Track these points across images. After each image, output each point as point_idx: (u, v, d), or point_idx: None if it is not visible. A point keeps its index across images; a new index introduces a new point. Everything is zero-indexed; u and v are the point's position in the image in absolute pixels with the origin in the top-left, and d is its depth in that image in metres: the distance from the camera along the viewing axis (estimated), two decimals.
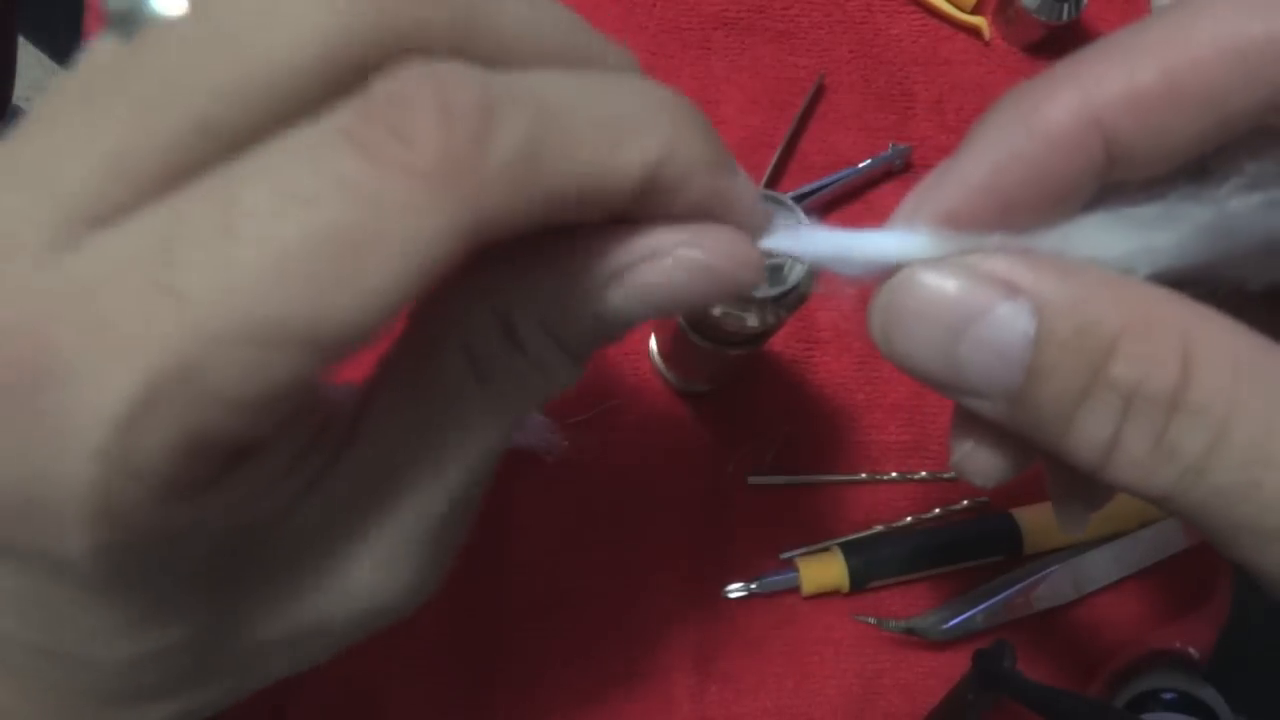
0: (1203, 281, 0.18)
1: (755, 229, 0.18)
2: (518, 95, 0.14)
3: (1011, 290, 0.17)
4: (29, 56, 0.83)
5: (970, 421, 0.20)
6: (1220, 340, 0.16)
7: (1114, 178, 0.18)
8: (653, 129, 0.15)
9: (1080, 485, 0.22)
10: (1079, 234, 0.18)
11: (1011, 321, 0.16)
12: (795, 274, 0.25)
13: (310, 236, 0.12)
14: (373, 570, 0.18)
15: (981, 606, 0.37)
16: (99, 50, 0.14)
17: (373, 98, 0.13)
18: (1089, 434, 0.16)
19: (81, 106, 0.14)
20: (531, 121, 0.14)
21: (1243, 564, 0.16)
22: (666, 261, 0.16)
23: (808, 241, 0.19)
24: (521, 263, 0.17)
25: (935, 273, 0.17)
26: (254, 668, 0.19)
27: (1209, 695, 0.34)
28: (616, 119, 0.15)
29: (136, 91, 0.13)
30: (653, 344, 0.37)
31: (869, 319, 0.19)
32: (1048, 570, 0.37)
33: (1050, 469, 0.22)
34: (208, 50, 0.13)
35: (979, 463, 0.20)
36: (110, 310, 0.12)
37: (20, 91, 0.81)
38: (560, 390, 0.18)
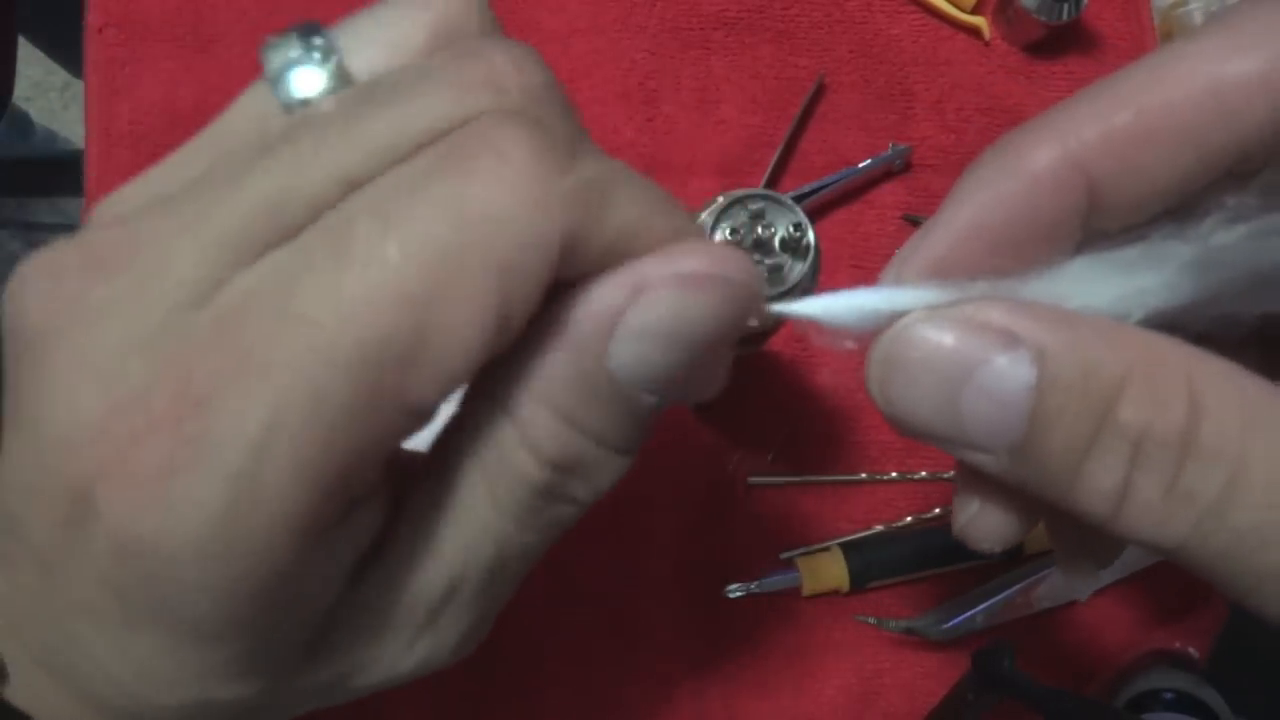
0: (1195, 322, 0.18)
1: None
2: (593, 150, 0.16)
3: (1010, 339, 0.16)
4: (29, 56, 0.83)
5: (974, 483, 0.20)
6: (1225, 381, 0.16)
7: (1100, 223, 0.18)
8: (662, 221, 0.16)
9: (1086, 542, 0.21)
10: (1066, 280, 0.18)
11: (1012, 370, 0.16)
12: (795, 274, 0.25)
13: (410, 254, 0.13)
14: (402, 639, 0.18)
15: (981, 606, 0.37)
16: (259, 105, 0.16)
17: (469, 128, 0.14)
18: (1098, 482, 0.16)
19: (251, 159, 0.15)
20: (603, 165, 0.15)
21: (1264, 614, 0.16)
22: (658, 290, 0.15)
23: (802, 306, 0.19)
24: (520, 360, 0.16)
25: (931, 325, 0.17)
26: (281, 713, 0.19)
27: (1209, 695, 0.34)
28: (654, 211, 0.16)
29: (299, 148, 0.15)
30: None
31: (867, 375, 0.18)
32: (1048, 570, 0.37)
33: (1054, 528, 0.21)
34: (366, 118, 0.15)
35: (985, 526, 0.20)
36: (245, 339, 0.13)
37: (20, 91, 0.81)
38: (609, 484, 0.18)
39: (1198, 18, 0.44)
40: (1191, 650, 0.38)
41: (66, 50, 0.90)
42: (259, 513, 0.14)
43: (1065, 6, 0.41)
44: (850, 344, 0.19)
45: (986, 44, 0.43)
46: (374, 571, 0.17)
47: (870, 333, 0.18)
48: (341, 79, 0.16)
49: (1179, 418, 0.15)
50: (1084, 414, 0.16)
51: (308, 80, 0.16)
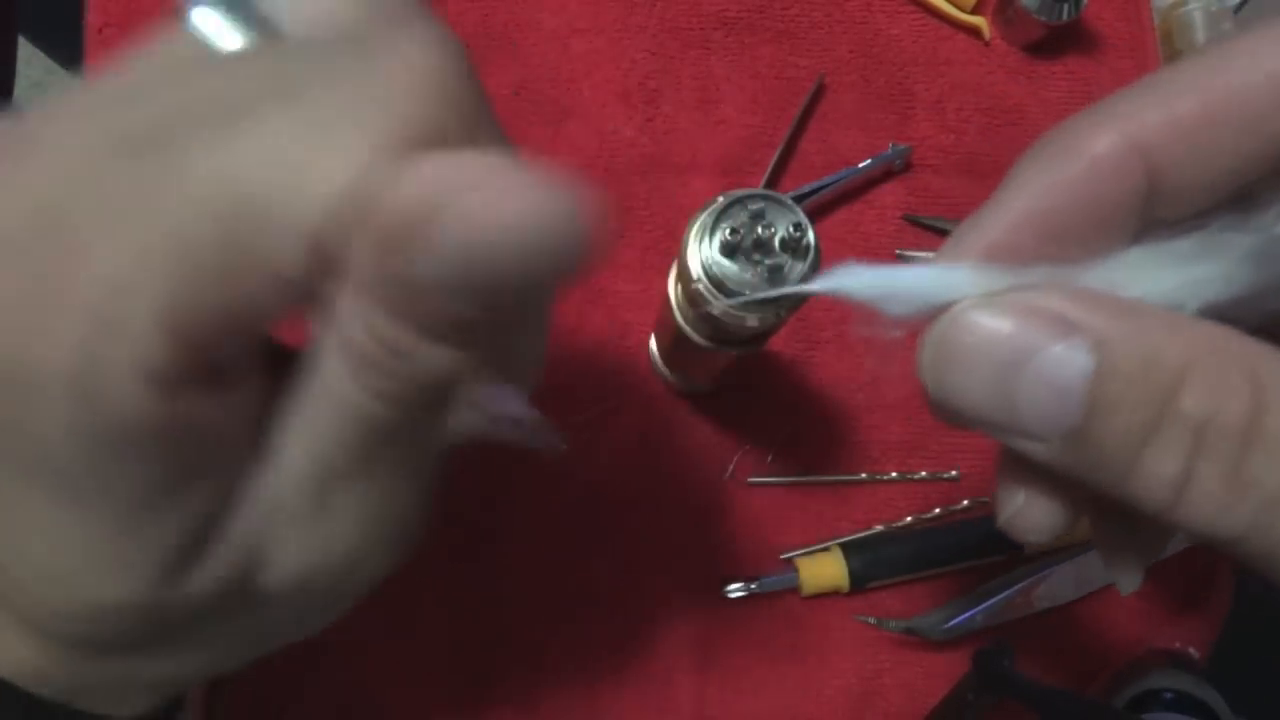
0: (1251, 316, 0.18)
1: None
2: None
3: (1068, 327, 0.16)
4: (29, 56, 0.83)
5: (1020, 474, 0.19)
6: None
7: (1158, 211, 0.17)
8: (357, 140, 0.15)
9: (1132, 536, 0.21)
10: (1122, 269, 0.18)
11: (1070, 358, 0.16)
12: (796, 274, 0.25)
13: (300, 125, 0.14)
14: (285, 529, 0.18)
15: (981, 606, 0.37)
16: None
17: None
18: (1158, 471, 0.16)
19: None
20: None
21: None
22: (448, 227, 0.14)
23: (855, 280, 0.19)
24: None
25: (988, 310, 0.17)
26: (240, 624, 0.19)
27: (1209, 695, 0.34)
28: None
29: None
30: (653, 344, 0.37)
31: (919, 359, 0.18)
32: (1048, 570, 0.37)
33: (1098, 521, 0.21)
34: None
35: (1032, 517, 0.19)
36: (119, 188, 0.14)
37: (20, 91, 0.81)
38: (445, 376, 0.17)
39: (1198, 18, 0.44)
40: (1191, 650, 0.38)
41: (66, 50, 0.90)
42: (117, 351, 0.14)
43: (1065, 6, 0.41)
44: (898, 332, 0.19)
45: (986, 44, 0.44)
46: (254, 456, 0.17)
47: (920, 319, 0.18)
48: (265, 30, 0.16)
49: (1243, 407, 0.15)
50: (1145, 402, 0.16)
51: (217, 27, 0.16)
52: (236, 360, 0.16)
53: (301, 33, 0.16)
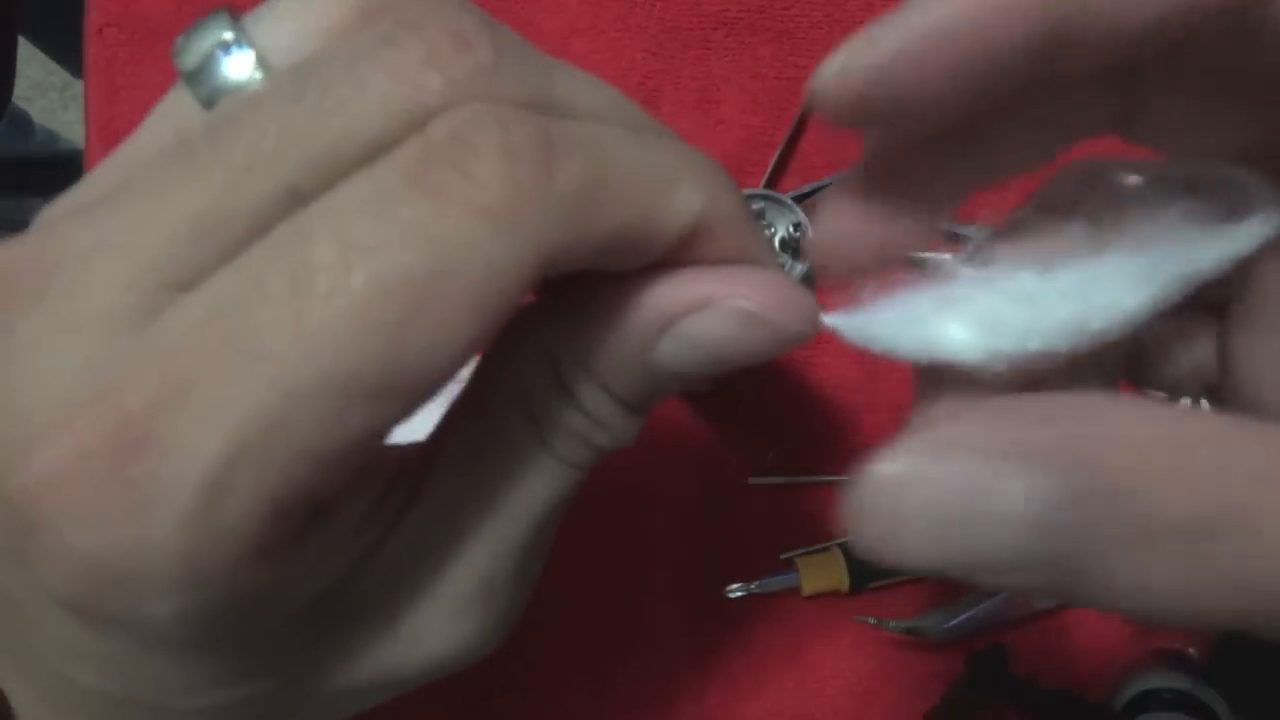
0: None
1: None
2: (577, 138, 0.14)
3: (1007, 459, 0.14)
4: (29, 56, 0.83)
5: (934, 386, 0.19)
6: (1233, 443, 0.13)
7: (1064, 63, 0.15)
8: (698, 182, 0.16)
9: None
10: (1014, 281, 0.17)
11: (1017, 494, 0.14)
12: (795, 274, 0.25)
13: (378, 286, 0.13)
14: (439, 623, 0.18)
15: (981, 606, 0.37)
16: (180, 108, 0.15)
17: (432, 138, 0.13)
18: (1158, 580, 0.13)
19: (172, 168, 0.14)
20: (590, 160, 0.14)
21: None
22: (718, 313, 0.16)
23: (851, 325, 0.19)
24: (572, 314, 0.17)
25: (931, 460, 0.14)
26: (323, 715, 0.19)
27: (1209, 695, 0.34)
28: (667, 169, 0.16)
29: (229, 157, 0.14)
30: None
31: (860, 519, 0.15)
32: None
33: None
34: (301, 120, 0.14)
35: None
36: (192, 375, 0.13)
37: (20, 91, 0.81)
38: (619, 444, 0.18)
39: None
40: (1191, 650, 0.38)
41: (66, 50, 0.90)
42: (218, 549, 0.13)
43: None
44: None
45: None
46: (395, 546, 0.17)
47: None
48: (262, 68, 0.15)
49: (1193, 504, 0.13)
50: (1103, 518, 0.13)
51: (233, 67, 0.15)
52: (339, 491, 0.15)
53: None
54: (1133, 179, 0.18)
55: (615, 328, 0.16)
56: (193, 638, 0.15)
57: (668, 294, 0.16)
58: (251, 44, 0.15)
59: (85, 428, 0.13)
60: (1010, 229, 0.19)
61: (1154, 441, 0.14)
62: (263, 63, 0.15)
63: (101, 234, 0.14)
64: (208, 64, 0.15)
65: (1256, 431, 0.14)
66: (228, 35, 0.15)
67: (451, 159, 0.13)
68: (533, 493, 0.18)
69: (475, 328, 0.13)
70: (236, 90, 0.15)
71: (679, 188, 0.16)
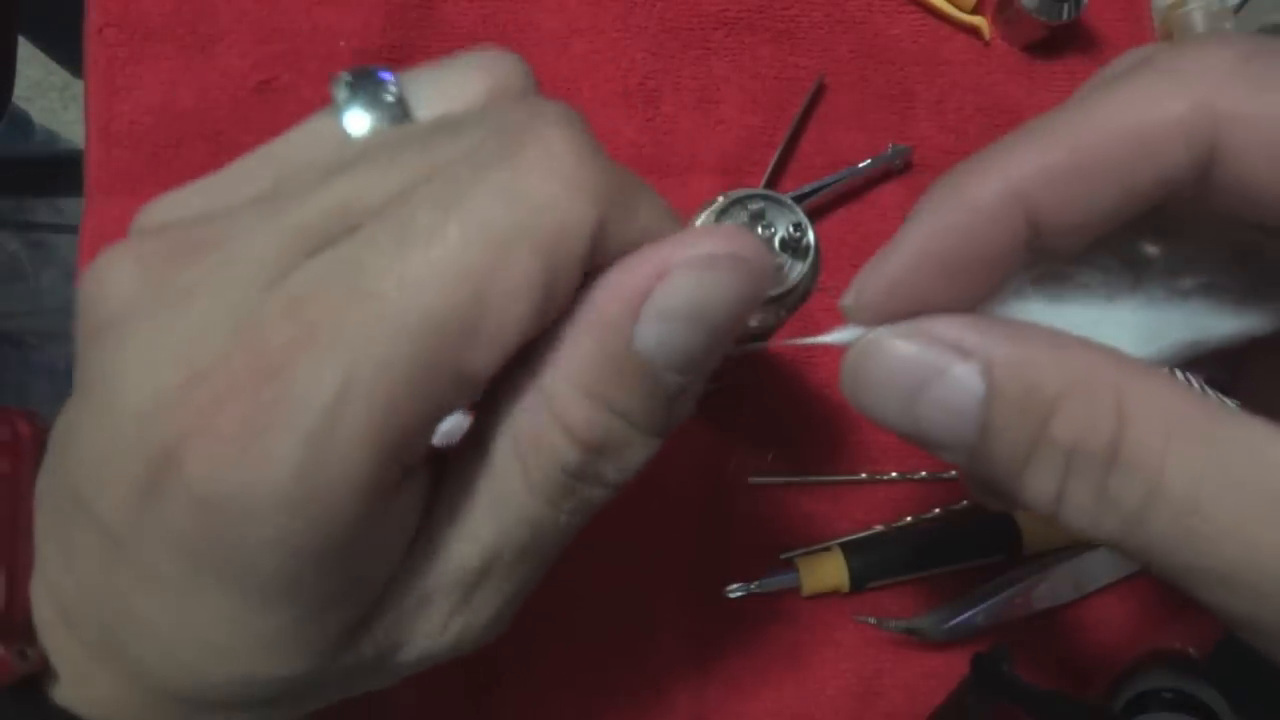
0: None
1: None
2: (619, 166, 0.17)
3: (962, 353, 0.18)
4: (29, 56, 0.83)
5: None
6: (1155, 398, 0.17)
7: (1045, 248, 0.19)
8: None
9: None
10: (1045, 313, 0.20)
11: (964, 383, 0.18)
12: (795, 274, 0.25)
13: (469, 235, 0.15)
14: (425, 621, 0.19)
15: (981, 606, 0.37)
16: (323, 131, 0.18)
17: (515, 119, 0.16)
18: (1038, 487, 0.18)
19: (332, 167, 0.17)
20: (625, 173, 0.17)
21: (1195, 599, 0.17)
22: (680, 273, 0.17)
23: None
24: (552, 343, 0.17)
25: (894, 337, 0.19)
26: (323, 696, 0.20)
27: (1209, 695, 0.34)
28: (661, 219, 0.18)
29: (375, 160, 0.16)
30: None
31: (842, 379, 0.20)
32: (1048, 570, 0.37)
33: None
34: (436, 140, 0.17)
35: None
36: (316, 316, 0.15)
37: (20, 91, 0.81)
38: (638, 466, 0.19)
39: (1197, 18, 0.44)
40: (1191, 650, 0.38)
41: (66, 50, 0.90)
42: (330, 471, 0.15)
43: (1065, 6, 0.41)
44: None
45: (986, 44, 0.44)
46: (415, 547, 0.18)
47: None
48: (406, 118, 0.18)
49: (1105, 433, 0.17)
50: (1024, 428, 0.17)
51: (379, 117, 0.18)
52: (422, 455, 0.17)
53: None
54: (1151, 249, 0.21)
55: (592, 332, 0.17)
56: (282, 576, 0.16)
57: (625, 280, 0.17)
58: (402, 97, 0.18)
59: (232, 361, 0.15)
60: (1029, 263, 0.20)
61: (1092, 378, 0.17)
62: (407, 113, 0.18)
63: (260, 217, 0.16)
64: (367, 109, 0.18)
65: (1196, 400, 0.17)
66: (390, 94, 0.18)
67: (535, 136, 0.16)
68: (506, 522, 0.18)
69: (547, 279, 0.16)
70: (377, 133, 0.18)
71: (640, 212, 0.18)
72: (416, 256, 0.15)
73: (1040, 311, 0.20)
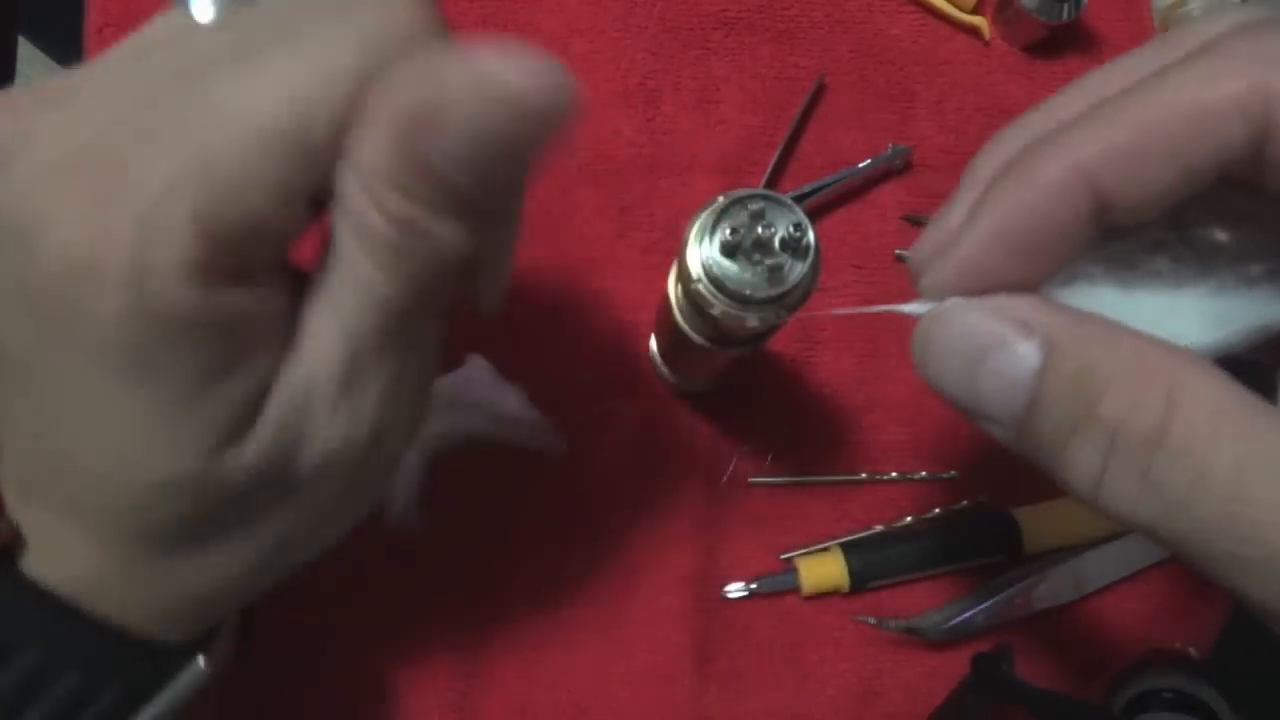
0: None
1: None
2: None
3: (1027, 329, 0.19)
4: (29, 56, 0.83)
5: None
6: (1206, 389, 0.18)
7: (1109, 224, 0.20)
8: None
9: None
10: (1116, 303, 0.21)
11: (1023, 355, 0.19)
12: (795, 274, 0.25)
13: (307, 61, 0.17)
14: (315, 412, 0.21)
15: (981, 606, 0.37)
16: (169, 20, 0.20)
17: None
18: (1081, 465, 0.19)
19: (196, 26, 0.19)
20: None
21: (1227, 588, 0.18)
22: (463, 104, 0.18)
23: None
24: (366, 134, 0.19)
25: (964, 309, 0.20)
26: (277, 517, 0.22)
27: (1209, 695, 0.34)
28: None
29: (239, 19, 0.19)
30: (653, 344, 0.37)
31: (913, 344, 0.22)
32: (1048, 570, 0.37)
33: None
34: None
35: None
36: (159, 120, 0.17)
37: None
38: (452, 251, 0.20)
39: (1197, 18, 0.44)
40: (1191, 650, 0.38)
41: (66, 50, 0.90)
42: (159, 250, 0.17)
43: (1065, 6, 0.41)
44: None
45: (986, 44, 0.44)
46: (289, 348, 0.20)
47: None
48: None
49: (1154, 417, 0.18)
50: (1072, 403, 0.18)
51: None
52: (264, 262, 0.19)
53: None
54: (1220, 236, 0.22)
55: (389, 133, 0.18)
56: (135, 350, 0.18)
57: (415, 91, 0.18)
58: None
59: (83, 156, 0.17)
60: (1100, 248, 0.21)
61: (1144, 365, 0.18)
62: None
63: (121, 67, 0.19)
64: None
65: (1241, 396, 0.18)
66: None
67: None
68: (359, 301, 0.20)
69: (337, 83, 0.18)
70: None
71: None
72: (249, 70, 0.17)
73: (1111, 296, 0.21)
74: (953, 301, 0.21)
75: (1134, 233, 0.22)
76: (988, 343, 0.20)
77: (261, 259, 0.19)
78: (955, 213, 0.22)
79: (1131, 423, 0.18)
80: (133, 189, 0.17)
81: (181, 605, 0.22)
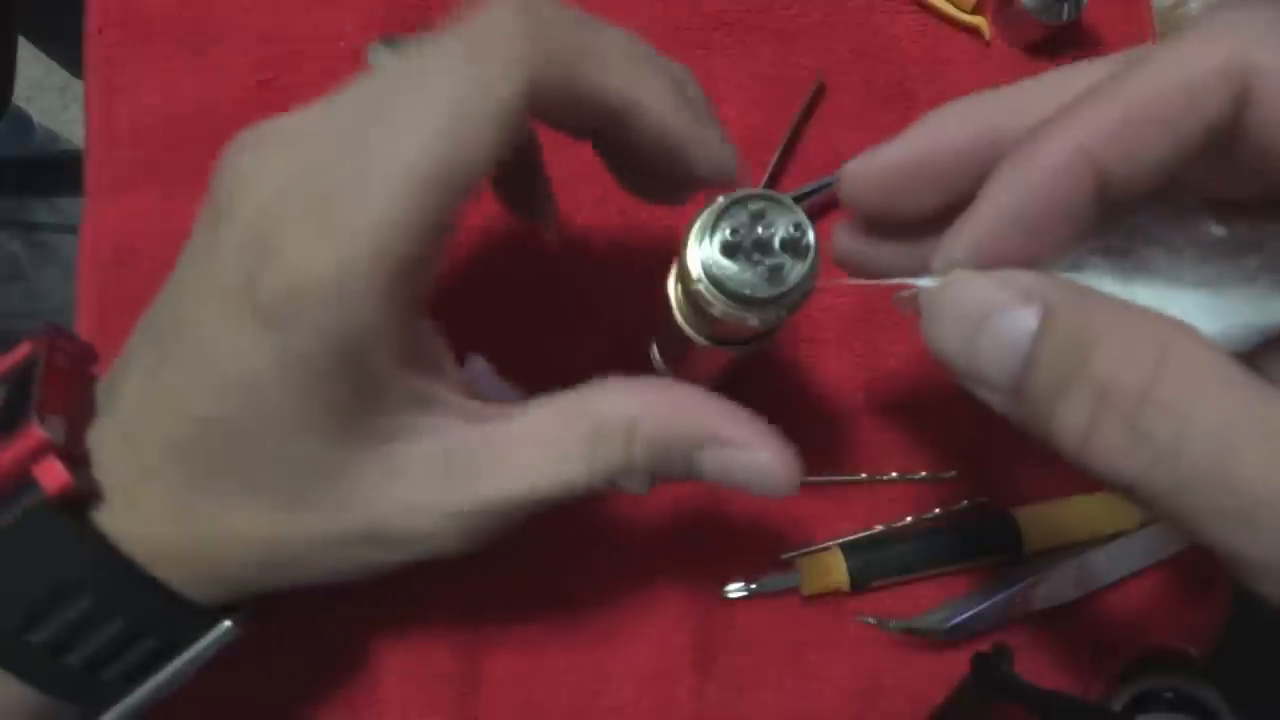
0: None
1: (725, 174, 0.26)
2: (574, 18, 0.24)
3: (1027, 296, 0.20)
4: (29, 56, 0.83)
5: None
6: (1196, 349, 0.19)
7: (1108, 200, 0.21)
8: (627, 75, 0.25)
9: None
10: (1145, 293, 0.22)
11: (1022, 319, 0.20)
12: (795, 274, 0.25)
13: (436, 110, 0.21)
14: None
15: (981, 606, 0.37)
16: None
17: (475, 14, 0.22)
18: (1070, 420, 0.19)
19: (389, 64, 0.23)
20: (576, 33, 0.23)
21: (1208, 544, 0.19)
22: (743, 455, 0.25)
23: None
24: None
25: (971, 278, 0.22)
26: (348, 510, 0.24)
27: (1209, 695, 0.34)
28: (610, 63, 0.24)
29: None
30: (653, 344, 0.37)
31: (920, 312, 0.23)
32: (1048, 570, 0.37)
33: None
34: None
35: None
36: (345, 166, 0.21)
37: (20, 91, 0.81)
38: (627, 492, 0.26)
39: None
40: (1191, 650, 0.38)
41: (66, 50, 0.90)
42: (356, 276, 0.21)
43: (1065, 6, 0.41)
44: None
45: (986, 44, 0.44)
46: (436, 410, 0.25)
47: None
48: None
49: (1145, 371, 0.19)
50: (1066, 359, 0.19)
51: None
52: (423, 292, 0.24)
53: None
54: (1218, 229, 0.23)
55: (675, 431, 0.25)
56: (326, 359, 0.21)
57: (704, 420, 0.25)
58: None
59: (294, 202, 0.21)
60: (1099, 239, 0.23)
61: (1137, 325, 0.19)
62: None
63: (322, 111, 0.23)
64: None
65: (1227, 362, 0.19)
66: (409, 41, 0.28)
67: (484, 21, 0.22)
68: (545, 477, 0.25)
69: (499, 135, 0.22)
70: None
71: (613, 73, 0.24)
72: (401, 127, 0.21)
73: (1109, 286, 0.22)
74: (959, 272, 0.22)
75: (1133, 222, 0.23)
76: (989, 308, 0.21)
77: (421, 289, 0.23)
78: (892, 148, 0.24)
79: (1122, 376, 0.19)
80: (333, 230, 0.21)
81: (223, 572, 0.25)
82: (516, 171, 0.31)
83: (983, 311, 0.21)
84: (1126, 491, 0.19)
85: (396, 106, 0.21)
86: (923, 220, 0.25)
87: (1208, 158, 0.21)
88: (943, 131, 0.24)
